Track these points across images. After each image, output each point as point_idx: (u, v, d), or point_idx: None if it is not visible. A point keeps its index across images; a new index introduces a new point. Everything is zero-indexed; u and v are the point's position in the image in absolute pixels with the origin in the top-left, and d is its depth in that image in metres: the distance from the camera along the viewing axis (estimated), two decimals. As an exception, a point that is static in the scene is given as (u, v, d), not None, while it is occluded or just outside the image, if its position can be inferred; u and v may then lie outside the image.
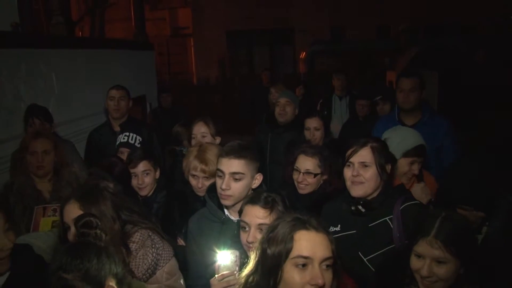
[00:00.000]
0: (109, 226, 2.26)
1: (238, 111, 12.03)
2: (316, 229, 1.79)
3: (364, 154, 2.59)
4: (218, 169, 2.65)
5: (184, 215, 3.14)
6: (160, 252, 2.45)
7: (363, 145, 2.61)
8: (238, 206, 2.67)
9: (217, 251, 2.17)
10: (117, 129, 4.69)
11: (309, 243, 1.75)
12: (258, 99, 9.77)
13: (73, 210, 2.26)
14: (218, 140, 4.02)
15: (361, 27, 16.35)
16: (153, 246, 2.44)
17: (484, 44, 11.54)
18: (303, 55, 14.27)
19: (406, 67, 9.42)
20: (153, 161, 3.55)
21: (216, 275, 2.12)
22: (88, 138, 4.90)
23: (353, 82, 8.68)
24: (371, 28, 16.63)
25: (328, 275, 1.74)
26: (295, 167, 3.38)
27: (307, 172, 3.31)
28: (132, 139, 4.03)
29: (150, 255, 2.41)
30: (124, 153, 3.87)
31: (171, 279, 2.51)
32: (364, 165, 2.58)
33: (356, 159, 2.60)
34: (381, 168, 2.58)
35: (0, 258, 2.24)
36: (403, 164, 3.14)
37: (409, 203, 2.57)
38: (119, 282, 1.89)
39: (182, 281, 2.60)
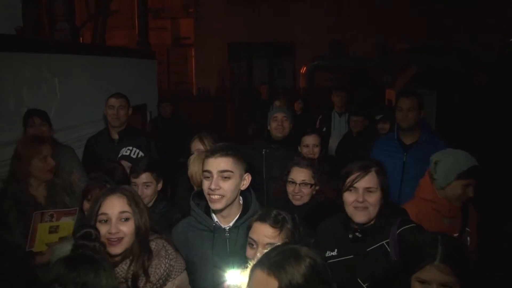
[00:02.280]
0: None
1: (242, 123, 12.06)
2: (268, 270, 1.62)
3: (369, 179, 2.54)
4: (205, 171, 2.57)
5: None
6: (173, 264, 2.43)
7: (367, 170, 2.56)
8: (227, 212, 2.64)
9: (227, 270, 2.13)
10: (115, 136, 4.70)
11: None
12: (259, 112, 9.93)
13: (118, 203, 2.35)
14: None
15: (362, 44, 16.44)
16: (167, 256, 2.42)
17: (483, 64, 11.63)
18: (303, 70, 14.34)
19: (405, 86, 9.50)
20: (156, 173, 3.54)
21: None
22: (86, 144, 4.89)
23: (352, 99, 8.72)
24: (372, 46, 16.72)
25: None
26: (289, 179, 3.43)
27: (304, 183, 3.37)
28: (134, 154, 4.02)
29: (163, 265, 2.39)
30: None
31: None
32: (368, 190, 2.53)
33: (361, 184, 2.54)
34: (385, 191, 2.56)
35: None
36: (456, 187, 3.06)
37: (406, 226, 2.51)
38: None
39: None
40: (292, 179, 3.42)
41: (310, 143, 4.49)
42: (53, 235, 3.21)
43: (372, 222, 2.58)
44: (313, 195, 3.42)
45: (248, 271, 1.82)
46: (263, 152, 4.68)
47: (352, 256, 2.57)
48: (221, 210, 2.61)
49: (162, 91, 12.85)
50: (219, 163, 2.53)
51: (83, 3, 13.40)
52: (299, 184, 3.38)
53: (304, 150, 4.48)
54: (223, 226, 2.64)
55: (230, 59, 17.34)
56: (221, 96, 14.56)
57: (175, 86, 18.17)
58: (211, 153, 2.58)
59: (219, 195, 2.52)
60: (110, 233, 2.28)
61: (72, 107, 5.65)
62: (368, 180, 2.54)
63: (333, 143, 7.08)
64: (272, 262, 1.60)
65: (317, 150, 4.48)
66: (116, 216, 2.30)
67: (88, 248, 1.97)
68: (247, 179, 2.65)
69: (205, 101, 14.47)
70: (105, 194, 2.38)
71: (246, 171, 2.64)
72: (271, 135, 4.83)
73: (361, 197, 2.52)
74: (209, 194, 2.54)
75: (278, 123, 4.76)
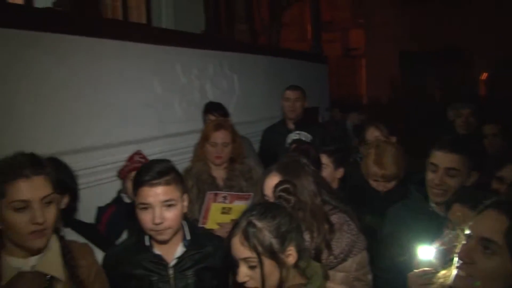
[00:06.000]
0: (311, 200, 2.25)
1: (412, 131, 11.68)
2: None
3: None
4: (432, 163, 2.58)
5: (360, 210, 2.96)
6: (355, 240, 2.34)
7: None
8: None
9: (420, 245, 1.97)
10: (291, 127, 4.74)
11: None
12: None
13: (274, 182, 2.26)
14: (393, 139, 3.92)
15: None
16: (349, 231, 2.34)
17: None
18: (484, 76, 13.30)
19: None
20: (333, 158, 3.43)
21: (415, 270, 1.92)
22: (262, 135, 5.07)
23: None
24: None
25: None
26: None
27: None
28: (303, 137, 4.07)
29: (345, 240, 2.30)
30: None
31: (360, 271, 2.36)
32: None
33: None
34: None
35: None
36: None
37: None
38: (299, 255, 1.87)
39: (370, 277, 2.44)
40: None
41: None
42: (225, 216, 3.31)
43: None
44: None
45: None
46: None
47: None
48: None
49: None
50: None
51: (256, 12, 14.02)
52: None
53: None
54: (441, 214, 2.57)
55: (402, 68, 16.78)
56: (392, 105, 14.11)
57: (344, 97, 18.16)
58: (441, 147, 2.62)
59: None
60: None
61: (249, 104, 5.86)
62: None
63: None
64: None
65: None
66: (271, 195, 2.26)
67: (286, 201, 2.00)
68: (473, 176, 2.72)
69: (376, 110, 14.15)
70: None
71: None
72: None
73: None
74: (433, 187, 2.60)
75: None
